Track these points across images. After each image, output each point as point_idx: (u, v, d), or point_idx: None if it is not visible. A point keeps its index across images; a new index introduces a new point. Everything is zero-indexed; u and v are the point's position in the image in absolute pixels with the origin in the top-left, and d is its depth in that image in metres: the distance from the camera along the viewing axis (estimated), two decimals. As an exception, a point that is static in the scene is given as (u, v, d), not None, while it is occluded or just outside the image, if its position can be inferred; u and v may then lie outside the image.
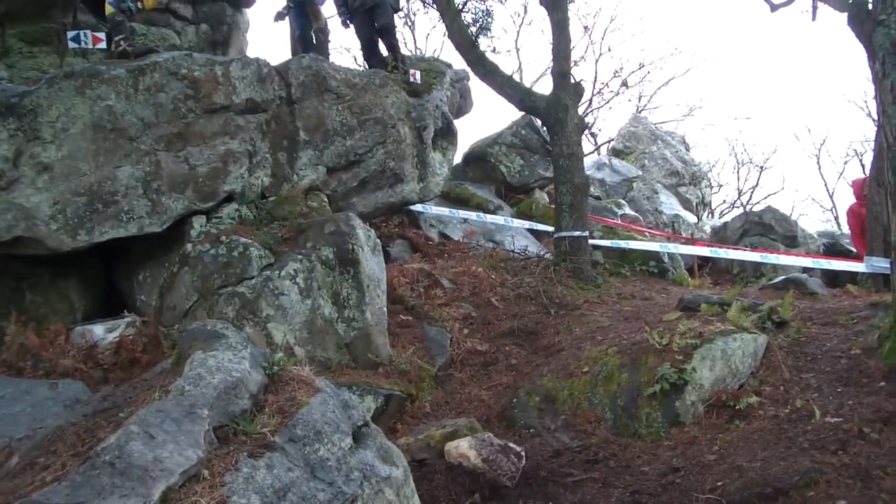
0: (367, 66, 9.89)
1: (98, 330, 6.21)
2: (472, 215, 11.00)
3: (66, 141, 6.35)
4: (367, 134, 8.08)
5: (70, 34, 7.70)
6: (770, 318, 6.04)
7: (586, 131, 20.51)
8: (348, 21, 9.91)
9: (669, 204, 17.99)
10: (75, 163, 6.34)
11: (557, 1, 9.80)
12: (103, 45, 7.59)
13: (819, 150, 32.61)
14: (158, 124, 6.72)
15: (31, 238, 6.20)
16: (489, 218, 11.10)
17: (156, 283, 6.62)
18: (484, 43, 18.14)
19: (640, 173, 18.85)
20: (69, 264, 6.73)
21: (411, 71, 9.08)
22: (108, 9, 7.59)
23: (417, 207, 9.86)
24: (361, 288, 6.08)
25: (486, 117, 55.55)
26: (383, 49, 9.69)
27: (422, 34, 30.42)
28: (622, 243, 10.57)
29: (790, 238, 13.05)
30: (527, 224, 11.53)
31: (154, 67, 6.84)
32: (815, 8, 9.69)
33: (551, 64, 10.33)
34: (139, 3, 7.95)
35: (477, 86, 10.74)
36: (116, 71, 6.68)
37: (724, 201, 30.94)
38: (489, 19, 18.00)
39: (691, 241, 13.29)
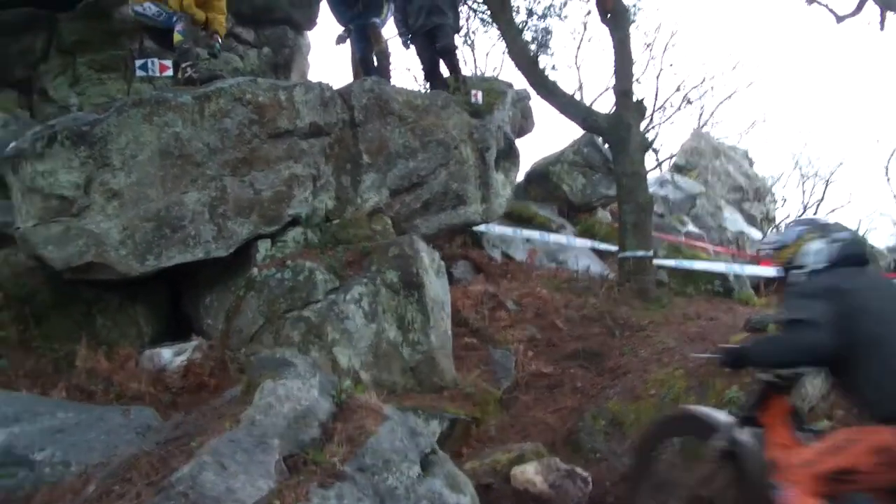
0: (428, 88, 9.93)
1: (166, 354, 6.27)
2: (535, 235, 10.94)
3: (135, 167, 6.44)
4: (429, 156, 8.09)
5: (138, 62, 7.86)
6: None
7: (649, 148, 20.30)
8: (409, 42, 9.97)
9: (733, 220, 17.71)
10: (143, 189, 6.43)
11: (619, 19, 9.75)
12: (170, 72, 7.73)
13: (888, 162, 31.74)
14: (224, 149, 6.79)
15: (101, 263, 6.30)
16: (552, 237, 11.03)
17: (222, 307, 6.66)
18: (544, 60, 18.12)
19: (704, 189, 18.59)
20: (137, 289, 6.83)
21: (473, 91, 9.08)
22: (177, 37, 7.74)
23: (480, 227, 9.83)
24: (426, 311, 6.06)
25: (549, 135, 55.43)
26: (444, 70, 9.72)
27: (482, 52, 30.40)
28: (687, 263, 10.42)
29: (860, 256, 12.71)
30: (590, 243, 11.43)
31: (219, 93, 6.92)
32: (883, 18, 9.49)
33: (613, 81, 10.22)
34: (218, 42, 8.16)
35: (539, 103, 10.72)
36: (183, 98, 6.78)
37: (790, 216, 30.35)
38: (549, 37, 18.00)
39: (756, 258, 13.03)
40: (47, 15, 14.23)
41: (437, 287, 6.30)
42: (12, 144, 6.76)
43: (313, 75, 15.01)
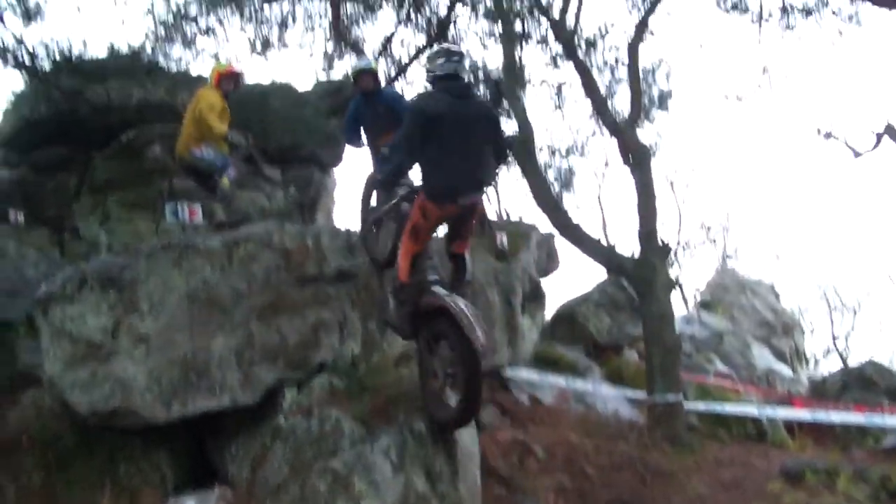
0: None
1: (190, 503, 6.20)
2: (562, 381, 10.86)
3: (163, 312, 6.53)
4: (456, 300, 8.13)
5: (168, 207, 8.11)
6: (884, 487, 5.74)
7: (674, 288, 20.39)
8: None
9: (763, 357, 17.54)
10: (171, 334, 6.50)
11: (640, 161, 9.96)
12: (199, 217, 7.94)
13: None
14: (251, 295, 6.88)
15: (127, 409, 6.30)
16: (579, 384, 10.94)
17: (248, 455, 6.58)
18: (568, 199, 18.46)
19: (731, 326, 18.50)
20: (161, 435, 6.77)
21: (498, 236, 9.21)
22: (226, 182, 8.02)
23: (507, 371, 9.79)
24: (454, 461, 5.99)
25: (575, 272, 55.52)
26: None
27: (503, 189, 30.92)
28: (717, 406, 10.28)
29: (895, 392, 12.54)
30: (618, 392, 11.31)
31: (247, 239, 7.10)
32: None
33: (638, 222, 10.35)
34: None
35: (564, 241, 10.86)
36: (211, 243, 6.96)
37: (819, 348, 30.01)
38: (572, 175, 18.35)
39: (788, 398, 12.83)
40: (82, 154, 14.77)
41: (465, 436, 6.23)
42: (43, 287, 6.91)
43: (339, 213, 15.31)
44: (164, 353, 6.44)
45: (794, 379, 17.00)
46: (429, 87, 6.17)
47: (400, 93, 10.72)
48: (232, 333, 6.72)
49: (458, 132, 5.75)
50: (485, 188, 6.16)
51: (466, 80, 6.17)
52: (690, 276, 47.66)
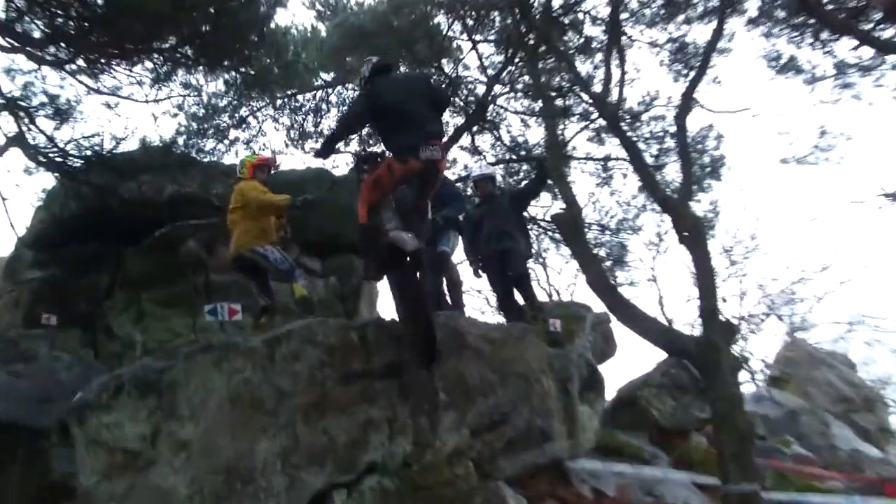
0: (502, 316, 10.10)
1: None
2: (627, 468, 10.67)
3: (204, 416, 6.58)
4: (509, 391, 8.08)
5: (206, 308, 8.22)
6: None
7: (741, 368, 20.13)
8: (480, 270, 10.24)
9: (844, 437, 17.08)
10: (213, 439, 6.52)
11: (696, 238, 9.92)
12: (239, 317, 8.04)
13: None
14: (295, 394, 6.91)
15: (167, 522, 6.27)
16: (646, 471, 10.74)
17: (296, 566, 6.55)
18: (621, 277, 18.43)
19: (805, 404, 18.12)
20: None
21: (550, 320, 9.21)
22: (300, 290, 8.23)
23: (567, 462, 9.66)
24: (514, 566, 5.90)
25: (634, 354, 54.91)
26: (519, 296, 9.91)
27: (555, 271, 30.89)
28: (800, 497, 10.02)
29: None
30: (687, 477, 11.08)
31: (289, 336, 7.16)
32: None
33: (698, 300, 10.28)
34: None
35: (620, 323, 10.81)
36: (253, 343, 7.03)
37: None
38: (624, 252, 18.33)
39: (880, 483, 12.43)
40: (114, 251, 15.08)
41: (527, 538, 6.16)
42: (78, 395, 7.03)
43: (382, 303, 15.39)
44: (205, 459, 6.44)
45: (883, 460, 16.53)
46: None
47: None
48: (276, 436, 6.71)
49: (400, 102, 7.32)
50: (439, 141, 7.51)
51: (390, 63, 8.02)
52: (757, 350, 46.91)
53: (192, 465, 6.41)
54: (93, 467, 6.46)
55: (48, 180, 15.67)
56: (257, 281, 9.01)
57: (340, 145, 9.69)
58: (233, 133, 18.31)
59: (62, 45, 13.06)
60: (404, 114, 7.25)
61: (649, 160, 16.54)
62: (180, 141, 16.12)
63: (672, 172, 17.48)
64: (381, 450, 7.15)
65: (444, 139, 9.46)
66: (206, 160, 15.89)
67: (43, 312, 12.90)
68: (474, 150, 20.63)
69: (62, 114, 13.85)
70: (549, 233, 20.36)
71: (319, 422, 6.93)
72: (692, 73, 13.75)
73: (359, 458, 7.00)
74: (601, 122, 17.19)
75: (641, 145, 16.89)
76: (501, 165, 20.06)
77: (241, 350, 6.93)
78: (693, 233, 10.12)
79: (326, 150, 8.01)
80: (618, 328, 12.32)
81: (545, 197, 20.11)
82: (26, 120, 13.52)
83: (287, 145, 20.01)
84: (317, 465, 6.78)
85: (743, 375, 22.04)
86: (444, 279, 9.95)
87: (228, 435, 6.58)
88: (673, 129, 14.60)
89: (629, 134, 14.34)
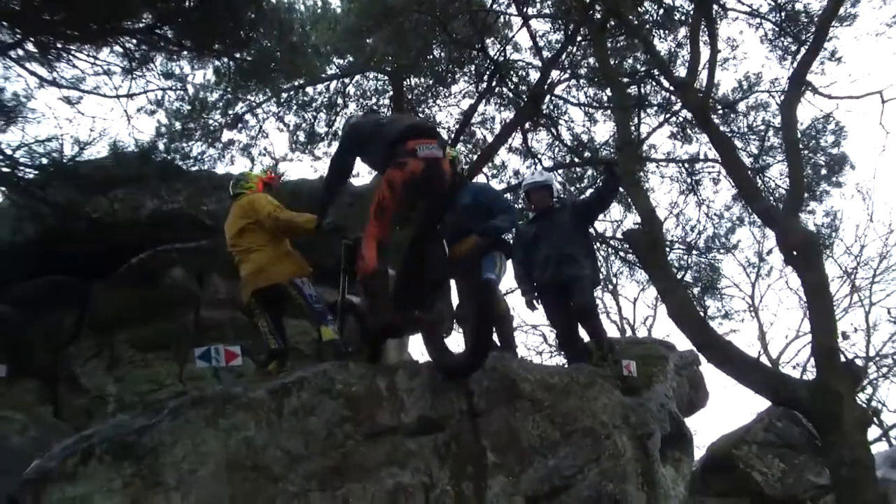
0: (564, 357, 10.14)
1: None
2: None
3: (195, 486, 6.56)
4: (573, 450, 8.11)
5: (197, 351, 8.25)
6: None
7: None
8: (535, 302, 10.30)
9: None
10: (206, 513, 6.59)
11: (809, 258, 9.91)
12: (238, 361, 8.13)
13: None
14: (309, 457, 6.93)
15: None
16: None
17: None
18: (711, 307, 18.38)
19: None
20: None
21: (624, 362, 9.20)
22: (328, 333, 8.36)
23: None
24: None
25: (727, 404, 54.20)
26: (584, 334, 9.94)
27: (628, 300, 30.82)
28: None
29: None
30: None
31: (301, 385, 7.21)
32: None
33: (811, 336, 10.29)
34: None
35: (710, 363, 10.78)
36: (255, 393, 7.06)
37: None
38: (716, 276, 18.29)
39: None
40: (80, 283, 15.15)
41: None
42: (35, 463, 6.86)
43: (415, 346, 15.48)
44: (198, 539, 6.51)
45: None
46: None
47: (486, 184, 11.03)
48: (286, 509, 6.78)
49: (380, 124, 8.04)
50: (434, 140, 7.71)
51: None
52: (891, 400, 46.36)
53: (182, 546, 6.45)
54: (55, 554, 6.44)
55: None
56: (269, 319, 9.08)
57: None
58: (226, 135, 18.44)
59: (4, 25, 13.11)
60: (384, 127, 7.88)
61: (747, 161, 16.51)
62: (161, 145, 16.24)
63: (777, 176, 17.41)
64: (416, 524, 7.21)
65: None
66: (193, 169, 15.95)
67: (-10, 362, 12.96)
68: (527, 153, 20.66)
69: (8, 112, 13.90)
70: (622, 253, 20.37)
71: (339, 490, 6.94)
72: (803, 50, 13.69)
73: (388, 534, 7.03)
74: (686, 114, 17.19)
75: (737, 142, 16.86)
76: (561, 171, 20.06)
77: (242, 403, 6.95)
78: (804, 251, 10.11)
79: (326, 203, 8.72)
80: (709, 371, 12.31)
81: (615, 209, 20.15)
82: (-39, 120, 13.58)
83: (293, 150, 20.17)
84: (337, 544, 6.83)
85: (872, 432, 21.90)
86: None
87: (226, 509, 6.64)
88: (778, 120, 14.59)
89: (721, 129, 14.30)
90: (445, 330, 8.51)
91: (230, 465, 6.72)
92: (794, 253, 10.16)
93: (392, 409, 7.41)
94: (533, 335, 26.57)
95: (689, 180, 19.65)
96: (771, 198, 13.52)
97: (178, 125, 16.84)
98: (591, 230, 11.96)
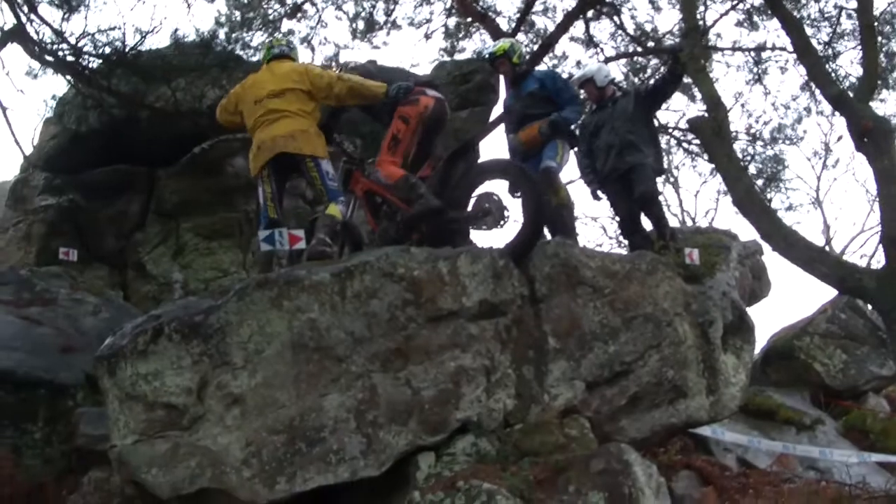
0: (627, 247, 10.09)
1: None
2: (778, 446, 10.63)
3: (261, 365, 6.75)
4: (635, 336, 8.14)
5: (262, 234, 8.25)
6: None
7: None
8: (598, 192, 10.23)
9: None
10: (272, 392, 6.71)
11: (881, 144, 9.73)
12: (302, 244, 8.13)
13: None
14: (372, 339, 7.04)
15: (218, 490, 6.51)
16: (800, 449, 10.67)
17: (375, 540, 6.73)
18: (775, 199, 18.17)
19: None
20: (264, 520, 7.00)
21: (686, 250, 9.11)
22: (336, 211, 8.33)
23: (705, 431, 9.70)
24: (646, 546, 6.00)
25: (789, 294, 53.81)
26: (646, 222, 9.87)
27: (690, 192, 30.55)
28: None
29: None
30: (857, 457, 10.98)
31: (364, 269, 7.22)
32: None
33: (880, 223, 10.15)
34: None
35: (775, 257, 10.67)
36: (319, 276, 7.10)
37: None
38: (781, 168, 18.05)
39: None
40: (145, 172, 15.28)
41: (657, 513, 6.24)
42: (108, 340, 7.14)
43: (473, 234, 15.46)
44: (263, 416, 6.64)
45: None
46: None
47: (553, 71, 10.90)
48: (349, 389, 6.87)
49: None
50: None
51: None
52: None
53: (248, 423, 6.61)
54: (128, 426, 6.66)
55: (58, 85, 15.80)
56: (275, 188, 8.86)
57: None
58: (286, 24, 18.35)
59: None
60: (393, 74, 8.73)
61: (818, 48, 16.14)
62: (221, 34, 16.18)
63: (848, 63, 17.07)
64: (477, 406, 7.25)
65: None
66: (253, 59, 15.81)
67: (61, 247, 13.11)
68: (589, 42, 20.36)
69: (72, 1, 13.90)
70: (684, 144, 20.15)
71: (401, 371, 7.06)
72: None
73: (449, 415, 7.11)
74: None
75: (808, 29, 16.48)
76: (623, 61, 19.80)
77: (306, 285, 7.01)
78: (876, 138, 9.91)
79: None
80: (772, 261, 12.19)
81: (679, 99, 19.87)
82: (25, 8, 13.52)
83: (353, 38, 20.04)
84: (399, 424, 6.91)
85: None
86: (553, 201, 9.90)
87: (291, 387, 6.76)
88: (851, 4, 14.22)
89: (792, 13, 13.92)
90: (494, 222, 8.48)
91: (294, 345, 6.85)
92: (865, 140, 9.96)
93: (454, 294, 7.43)
94: (592, 227, 26.46)
95: (755, 70, 19.28)
96: (842, 83, 13.16)
97: (237, 14, 16.73)
98: (655, 120, 11.76)
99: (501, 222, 8.54)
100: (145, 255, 14.64)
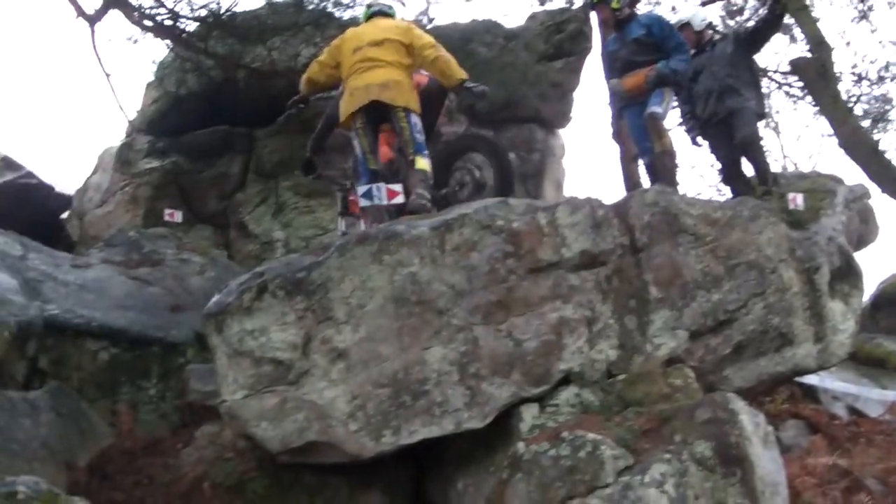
0: (728, 194, 9.96)
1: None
2: (891, 394, 10.43)
3: (364, 320, 6.82)
4: (738, 283, 8.04)
5: (360, 189, 8.32)
6: None
7: None
8: (697, 138, 10.10)
9: None
10: (375, 346, 6.78)
11: None
12: (400, 198, 8.18)
13: None
14: (472, 291, 7.06)
15: (325, 442, 6.64)
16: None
17: (479, 492, 6.77)
18: (883, 140, 17.74)
19: None
20: (370, 472, 7.11)
21: (790, 195, 8.97)
22: (422, 163, 8.36)
23: (812, 380, 9.55)
24: (754, 495, 5.91)
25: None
26: (747, 168, 9.73)
27: (791, 137, 29.96)
28: None
29: None
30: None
31: (463, 222, 7.25)
32: None
33: None
34: None
35: (883, 201, 10.45)
36: (418, 230, 7.14)
37: None
38: (888, 107, 17.60)
39: None
40: (244, 133, 15.50)
41: (766, 462, 6.15)
42: (215, 298, 7.28)
43: (570, 185, 15.45)
44: (367, 370, 6.72)
45: None
46: None
47: (659, 16, 10.73)
48: (451, 341, 6.91)
49: None
50: None
51: None
52: None
53: (353, 376, 6.70)
54: (237, 381, 6.82)
55: (158, 50, 16.04)
56: (371, 139, 8.96)
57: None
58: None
59: None
60: None
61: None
62: (313, -9, 16.16)
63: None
64: (579, 356, 7.26)
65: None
66: (345, 15, 15.84)
67: (166, 208, 13.42)
68: (686, -17, 20.01)
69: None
70: (786, 86, 19.73)
71: (503, 323, 7.08)
72: None
73: (552, 366, 7.13)
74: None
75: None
76: (720, 2, 19.45)
77: (405, 240, 7.05)
78: None
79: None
80: (881, 204, 11.93)
81: (780, 40, 19.45)
82: (124, -26, 13.75)
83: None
84: (501, 376, 6.94)
85: None
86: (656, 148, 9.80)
87: (394, 341, 6.83)
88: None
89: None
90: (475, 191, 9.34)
91: (396, 299, 6.91)
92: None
93: (553, 245, 7.42)
94: (690, 176, 26.12)
95: (860, 6, 18.74)
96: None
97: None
98: (754, 62, 11.52)
99: (481, 192, 8.75)
100: (246, 215, 14.89)
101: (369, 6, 9.51)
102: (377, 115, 8.75)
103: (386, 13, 9.32)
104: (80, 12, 14.03)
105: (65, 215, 18.34)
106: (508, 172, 9.05)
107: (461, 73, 8.67)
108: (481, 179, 9.09)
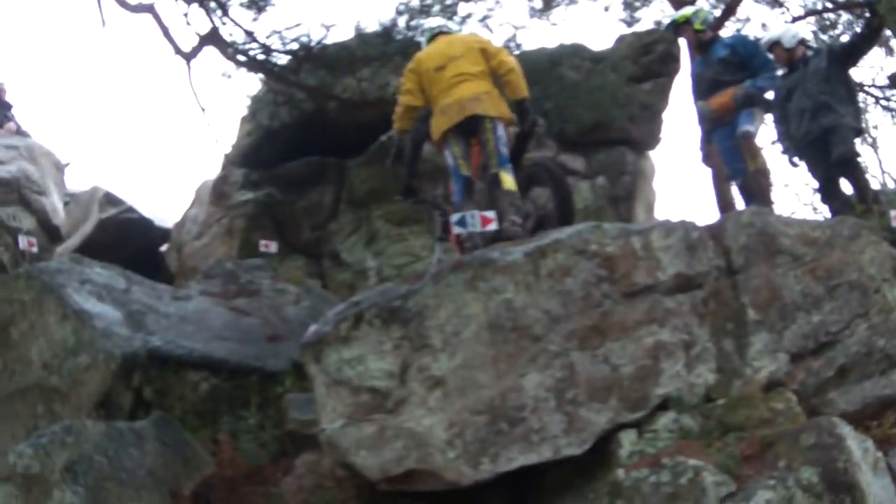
0: (827, 213, 9.82)
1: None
2: None
3: (459, 347, 6.83)
4: (839, 304, 7.86)
5: (453, 217, 8.38)
6: None
7: None
8: (794, 158, 9.98)
9: None
10: (471, 373, 6.78)
11: None
12: (494, 226, 8.20)
13: None
14: (568, 317, 7.03)
15: (424, 470, 6.63)
16: None
17: (579, 520, 6.74)
18: None
19: None
20: (468, 499, 7.00)
21: (892, 213, 8.82)
22: (509, 182, 8.35)
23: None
24: (863, 521, 5.82)
25: None
26: (846, 186, 9.59)
27: (889, 152, 29.55)
28: None
29: None
30: None
31: (556, 247, 7.24)
32: None
33: None
34: None
35: None
36: (512, 256, 7.15)
37: None
38: None
39: None
40: (335, 163, 15.71)
41: (877, 489, 6.01)
42: (312, 328, 7.39)
43: (661, 207, 15.36)
44: (465, 397, 6.72)
45: None
46: None
47: (744, 35, 10.68)
48: (547, 367, 6.88)
49: None
50: None
51: None
52: None
53: (450, 404, 6.70)
54: (335, 410, 6.86)
55: (252, 84, 16.33)
56: (462, 147, 9.08)
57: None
58: (463, 7, 18.43)
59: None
60: None
61: None
62: (401, 22, 16.33)
63: None
64: (677, 381, 7.17)
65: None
66: (432, 44, 15.95)
67: (260, 239, 13.59)
68: (774, 1, 19.83)
69: (260, 2, 14.37)
70: (884, 101, 19.42)
71: (599, 349, 7.03)
72: None
73: (649, 391, 7.06)
74: None
75: None
76: (812, 18, 19.20)
77: (500, 266, 7.06)
78: None
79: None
80: None
81: (877, 53, 19.15)
82: (219, 12, 14.10)
83: (530, 17, 20.00)
84: (599, 401, 6.89)
85: None
86: (749, 168, 9.72)
87: (490, 368, 6.82)
88: None
89: None
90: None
91: (492, 326, 6.90)
92: None
93: (648, 268, 7.37)
94: (785, 195, 25.80)
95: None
96: None
97: (416, 1, 16.85)
98: (850, 77, 11.33)
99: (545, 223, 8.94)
100: (339, 244, 15.04)
101: (430, 29, 9.88)
102: (467, 128, 8.84)
103: (446, 32, 9.64)
104: (178, 50, 14.43)
105: (164, 248, 18.76)
106: (568, 200, 8.86)
107: (524, 91, 8.80)
108: (544, 210, 9.03)
